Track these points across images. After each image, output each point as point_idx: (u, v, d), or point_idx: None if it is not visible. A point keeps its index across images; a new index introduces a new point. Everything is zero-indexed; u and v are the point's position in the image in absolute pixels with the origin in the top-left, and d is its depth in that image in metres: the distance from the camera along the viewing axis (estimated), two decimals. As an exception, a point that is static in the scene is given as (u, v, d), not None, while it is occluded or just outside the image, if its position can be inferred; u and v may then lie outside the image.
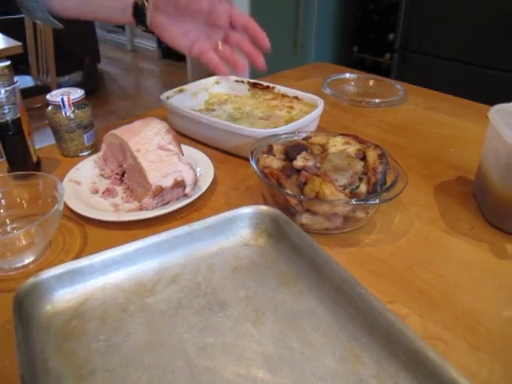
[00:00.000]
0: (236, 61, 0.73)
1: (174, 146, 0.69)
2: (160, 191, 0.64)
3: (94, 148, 0.88)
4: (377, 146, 0.68)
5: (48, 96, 0.82)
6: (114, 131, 0.72)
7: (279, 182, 0.61)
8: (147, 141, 0.68)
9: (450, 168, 0.85)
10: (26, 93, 2.79)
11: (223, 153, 0.87)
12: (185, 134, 0.93)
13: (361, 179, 0.62)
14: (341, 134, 0.72)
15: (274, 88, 1.00)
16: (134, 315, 0.51)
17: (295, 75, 1.34)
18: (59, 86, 2.92)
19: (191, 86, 1.02)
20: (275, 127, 0.85)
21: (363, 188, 0.62)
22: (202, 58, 0.73)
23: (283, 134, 0.75)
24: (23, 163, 0.77)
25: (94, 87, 4.32)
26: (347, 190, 0.61)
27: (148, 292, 0.54)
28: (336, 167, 0.62)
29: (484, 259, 0.62)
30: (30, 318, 0.49)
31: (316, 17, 2.73)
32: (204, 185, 0.72)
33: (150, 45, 5.55)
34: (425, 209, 0.72)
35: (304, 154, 0.65)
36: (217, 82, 1.07)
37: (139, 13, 0.72)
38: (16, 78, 0.73)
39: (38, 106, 2.78)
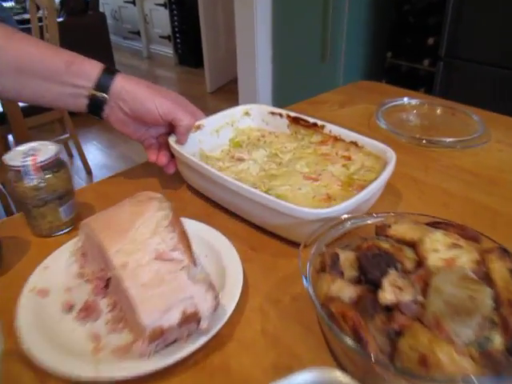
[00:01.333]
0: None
1: (180, 252, 0.44)
2: (160, 335, 0.40)
3: (75, 223, 0.64)
4: (502, 251, 0.43)
5: (6, 158, 0.58)
6: (91, 222, 0.48)
7: (357, 333, 0.36)
8: (139, 246, 0.43)
9: None
10: (34, 109, 2.54)
11: (255, 229, 0.62)
12: (201, 193, 0.69)
13: (494, 324, 0.37)
14: (437, 224, 0.47)
15: (323, 127, 0.74)
16: None
17: (338, 99, 1.09)
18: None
19: (212, 121, 0.77)
20: (329, 196, 0.60)
21: (498, 341, 0.36)
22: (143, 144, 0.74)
23: (347, 217, 0.50)
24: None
25: (108, 98, 4.12)
26: (474, 349, 0.36)
27: None
28: (451, 305, 0.37)
29: None
30: None
31: (346, 20, 2.47)
32: (228, 302, 0.47)
33: (167, 51, 5.35)
34: None
35: (393, 274, 0.40)
36: (247, 114, 0.82)
37: (95, 105, 0.66)
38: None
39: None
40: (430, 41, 2.38)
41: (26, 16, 4.49)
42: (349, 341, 0.36)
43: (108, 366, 0.42)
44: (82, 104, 0.66)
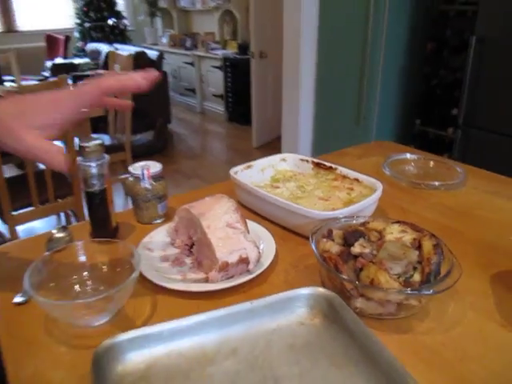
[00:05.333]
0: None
1: (240, 224, 0.75)
2: (226, 266, 0.70)
3: (166, 217, 0.96)
4: (432, 236, 0.71)
5: (130, 168, 0.91)
6: (187, 207, 0.80)
7: (336, 267, 0.65)
8: (217, 218, 0.74)
9: (508, 257, 0.85)
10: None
11: (284, 230, 0.92)
12: (250, 208, 0.99)
13: (415, 268, 0.65)
14: (398, 222, 0.76)
15: (336, 169, 1.05)
16: (195, 382, 0.55)
17: (357, 153, 1.40)
18: (132, 145, 3.13)
19: (258, 163, 1.09)
20: (334, 208, 0.90)
21: (417, 277, 0.64)
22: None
23: (342, 217, 0.80)
24: (104, 228, 0.86)
25: (163, 146, 4.58)
26: (401, 279, 0.64)
27: (209, 361, 0.59)
28: (391, 256, 0.66)
29: (538, 357, 0.62)
30: (105, 377, 0.55)
31: (379, 90, 2.81)
32: (266, 261, 0.77)
33: (218, 108, 5.83)
34: (480, 299, 0.73)
35: (361, 240, 0.69)
36: (283, 160, 1.14)
37: None
38: (105, 155, 0.83)
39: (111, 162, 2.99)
40: (454, 111, 2.69)
41: (99, 71, 5.08)
42: (332, 270, 0.65)
43: (192, 286, 0.72)
44: None
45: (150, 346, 0.59)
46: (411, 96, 2.98)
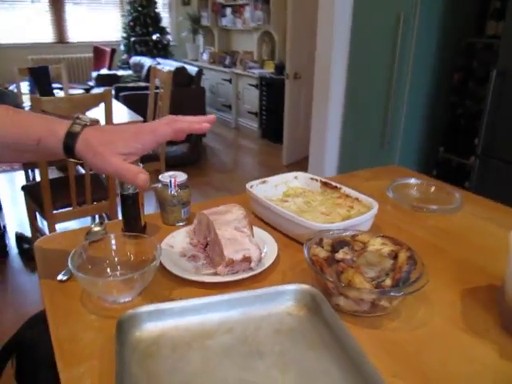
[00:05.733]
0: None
1: (247, 229, 0.89)
2: (231, 263, 0.84)
3: (188, 220, 1.11)
4: (409, 249, 0.83)
5: (160, 177, 1.07)
6: (204, 212, 0.94)
7: (322, 269, 0.79)
8: (227, 223, 0.89)
9: (485, 276, 0.96)
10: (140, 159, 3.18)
11: (288, 238, 1.05)
12: (261, 218, 1.13)
13: (387, 275, 0.78)
14: (381, 236, 0.88)
15: (340, 188, 1.18)
16: (196, 350, 0.69)
17: (366, 176, 1.53)
18: (167, 156, 3.32)
19: (273, 179, 1.24)
20: (332, 223, 1.03)
21: (388, 282, 0.77)
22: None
23: (336, 229, 0.93)
24: (134, 226, 1.02)
25: (197, 159, 4.77)
26: (374, 282, 0.77)
27: (209, 336, 0.72)
28: (368, 262, 0.79)
29: (488, 357, 0.73)
30: (125, 340, 0.69)
31: (404, 116, 2.91)
32: (267, 262, 0.90)
33: (252, 125, 6.01)
34: (448, 308, 0.85)
35: (345, 249, 0.82)
36: (295, 178, 1.28)
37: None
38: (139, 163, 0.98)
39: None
40: (476, 141, 2.77)
41: (141, 84, 5.34)
42: (318, 271, 0.78)
43: (203, 277, 0.86)
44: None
45: (163, 319, 0.74)
46: (436, 124, 3.07)
